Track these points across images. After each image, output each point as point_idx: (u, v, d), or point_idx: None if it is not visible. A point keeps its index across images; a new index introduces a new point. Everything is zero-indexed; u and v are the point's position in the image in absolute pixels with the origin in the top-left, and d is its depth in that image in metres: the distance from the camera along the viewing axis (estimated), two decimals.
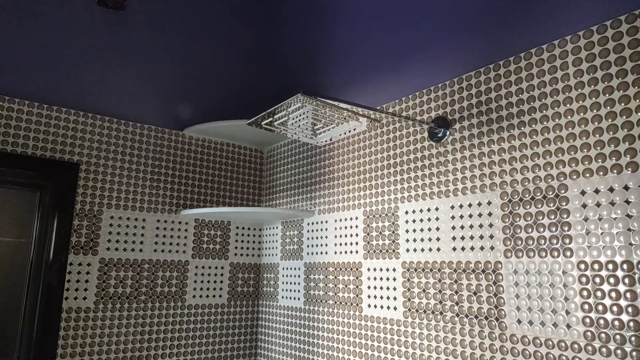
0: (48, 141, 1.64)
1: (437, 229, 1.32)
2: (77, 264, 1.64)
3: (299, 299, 1.81)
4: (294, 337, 1.80)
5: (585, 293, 1.00)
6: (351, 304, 1.57)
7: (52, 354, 1.54)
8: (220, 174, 2.02)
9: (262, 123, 1.30)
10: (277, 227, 2.00)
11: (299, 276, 1.83)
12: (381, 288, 1.47)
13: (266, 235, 2.07)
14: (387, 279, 1.45)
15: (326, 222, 1.73)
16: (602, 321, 0.97)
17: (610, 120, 1.01)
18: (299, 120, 1.28)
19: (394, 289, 1.42)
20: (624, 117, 0.99)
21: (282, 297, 1.90)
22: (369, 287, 1.51)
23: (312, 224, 1.80)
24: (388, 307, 1.43)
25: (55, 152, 1.64)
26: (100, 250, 1.69)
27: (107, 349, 1.66)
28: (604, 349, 0.96)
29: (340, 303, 1.61)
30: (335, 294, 1.63)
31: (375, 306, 1.48)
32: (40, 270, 1.56)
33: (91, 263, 1.67)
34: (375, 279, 1.49)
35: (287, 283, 1.89)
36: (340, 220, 1.66)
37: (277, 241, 1.99)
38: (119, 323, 1.71)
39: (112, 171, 1.75)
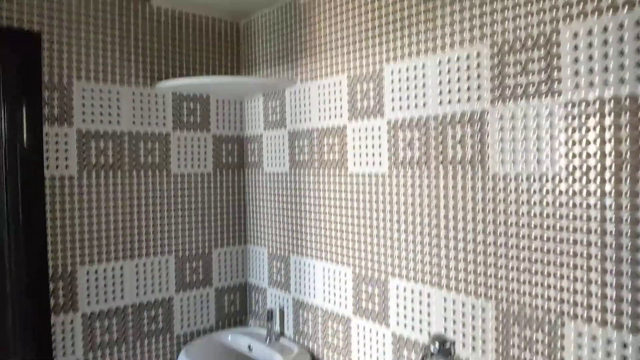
0: (2, 9, 1.49)
1: (424, 85, 1.31)
2: (54, 135, 1.59)
3: (284, 165, 1.83)
4: (281, 199, 1.85)
5: (570, 130, 1.04)
6: (336, 164, 1.59)
7: (42, 228, 1.55)
8: (195, 47, 1.91)
9: None
10: (258, 100, 1.96)
11: (283, 144, 1.83)
12: (366, 147, 1.49)
13: (248, 109, 2.03)
14: (372, 137, 1.46)
15: (309, 89, 1.69)
16: (584, 154, 1.01)
17: None
18: None
19: (379, 146, 1.44)
20: None
21: (268, 164, 1.92)
22: (354, 147, 1.53)
23: (295, 92, 1.76)
24: (373, 163, 1.47)
25: (11, 20, 1.51)
26: (75, 122, 1.63)
27: (97, 213, 1.68)
28: (584, 178, 1.02)
29: (326, 165, 1.63)
30: (321, 156, 1.66)
31: (361, 164, 1.51)
32: (15, 146, 1.51)
33: (68, 134, 1.62)
34: (360, 139, 1.51)
35: (271, 152, 1.90)
36: (324, 86, 1.63)
37: (259, 113, 1.96)
38: (106, 190, 1.70)
39: (77, 42, 1.63)
